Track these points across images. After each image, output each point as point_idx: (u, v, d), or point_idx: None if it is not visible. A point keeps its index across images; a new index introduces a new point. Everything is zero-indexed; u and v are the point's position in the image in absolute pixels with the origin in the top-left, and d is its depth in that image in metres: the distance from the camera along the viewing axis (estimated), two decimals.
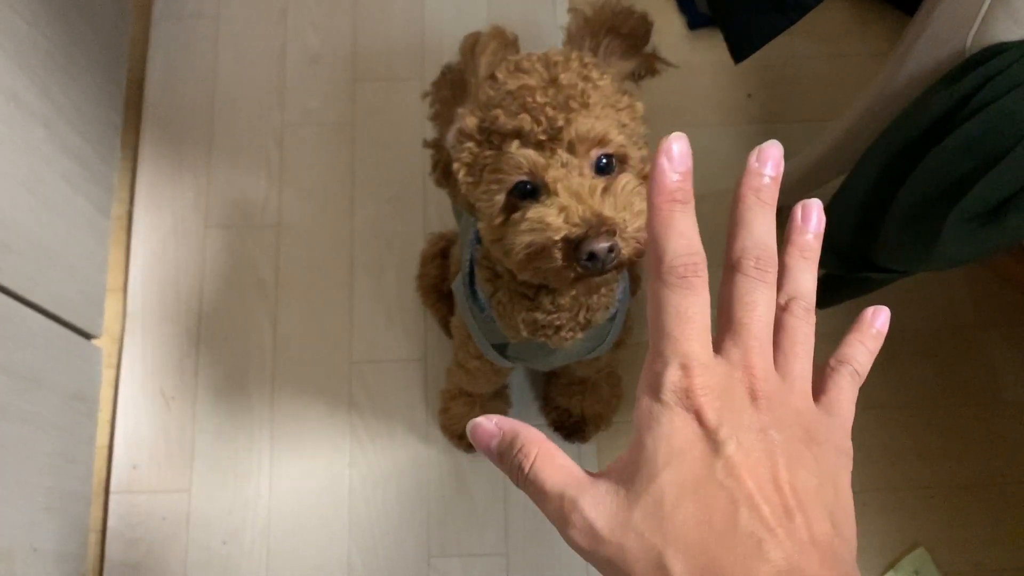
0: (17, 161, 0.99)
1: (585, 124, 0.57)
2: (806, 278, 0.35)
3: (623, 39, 0.67)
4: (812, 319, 0.35)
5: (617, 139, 0.59)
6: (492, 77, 0.60)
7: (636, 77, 0.70)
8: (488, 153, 0.59)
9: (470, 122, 0.60)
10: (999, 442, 1.20)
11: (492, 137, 0.59)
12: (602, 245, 0.54)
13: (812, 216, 0.35)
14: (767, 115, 1.37)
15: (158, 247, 1.29)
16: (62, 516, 1.05)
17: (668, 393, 0.30)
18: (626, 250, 0.57)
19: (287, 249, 1.29)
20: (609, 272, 0.58)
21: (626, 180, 0.58)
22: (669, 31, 1.42)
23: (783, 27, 0.82)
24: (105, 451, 1.19)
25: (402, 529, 1.16)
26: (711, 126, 1.37)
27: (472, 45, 0.63)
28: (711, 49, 1.40)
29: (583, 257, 0.55)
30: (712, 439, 0.29)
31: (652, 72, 0.70)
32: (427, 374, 1.23)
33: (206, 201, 1.31)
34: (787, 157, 1.26)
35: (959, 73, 0.80)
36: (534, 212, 0.57)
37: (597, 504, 0.31)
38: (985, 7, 0.77)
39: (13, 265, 0.97)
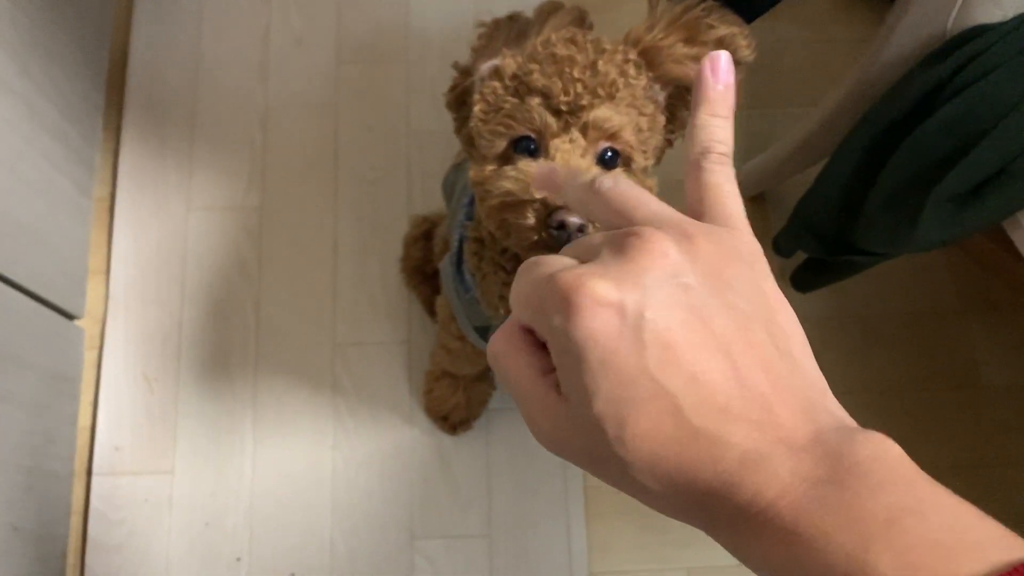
0: None
1: (604, 113, 0.57)
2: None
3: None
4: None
5: (628, 138, 0.59)
6: (547, 39, 0.61)
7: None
8: (510, 99, 0.60)
9: (509, 64, 0.61)
10: (980, 426, 1.21)
11: (520, 88, 0.60)
12: (575, 219, 0.54)
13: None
14: (750, 100, 1.36)
15: (140, 229, 1.28)
16: (43, 496, 1.04)
17: None
18: None
19: (270, 231, 1.29)
20: None
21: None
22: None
23: None
24: (88, 432, 1.18)
25: (385, 511, 1.16)
26: None
27: (550, 10, 0.64)
28: None
29: (553, 224, 0.55)
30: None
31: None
32: (411, 356, 1.23)
33: (189, 183, 1.30)
34: (770, 142, 1.25)
35: (940, 55, 0.80)
36: (524, 164, 0.58)
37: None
38: None
39: None
